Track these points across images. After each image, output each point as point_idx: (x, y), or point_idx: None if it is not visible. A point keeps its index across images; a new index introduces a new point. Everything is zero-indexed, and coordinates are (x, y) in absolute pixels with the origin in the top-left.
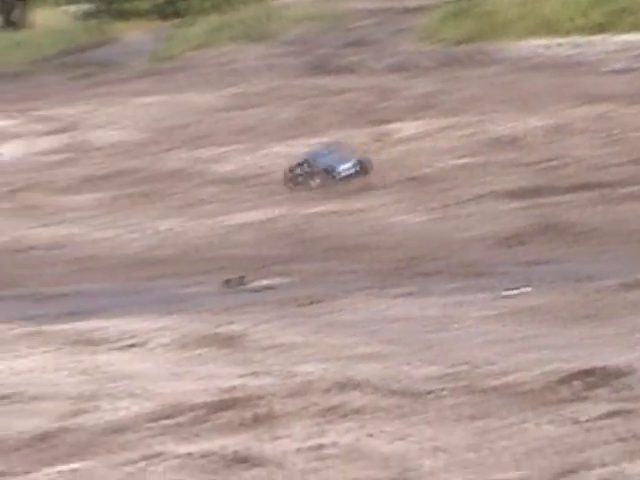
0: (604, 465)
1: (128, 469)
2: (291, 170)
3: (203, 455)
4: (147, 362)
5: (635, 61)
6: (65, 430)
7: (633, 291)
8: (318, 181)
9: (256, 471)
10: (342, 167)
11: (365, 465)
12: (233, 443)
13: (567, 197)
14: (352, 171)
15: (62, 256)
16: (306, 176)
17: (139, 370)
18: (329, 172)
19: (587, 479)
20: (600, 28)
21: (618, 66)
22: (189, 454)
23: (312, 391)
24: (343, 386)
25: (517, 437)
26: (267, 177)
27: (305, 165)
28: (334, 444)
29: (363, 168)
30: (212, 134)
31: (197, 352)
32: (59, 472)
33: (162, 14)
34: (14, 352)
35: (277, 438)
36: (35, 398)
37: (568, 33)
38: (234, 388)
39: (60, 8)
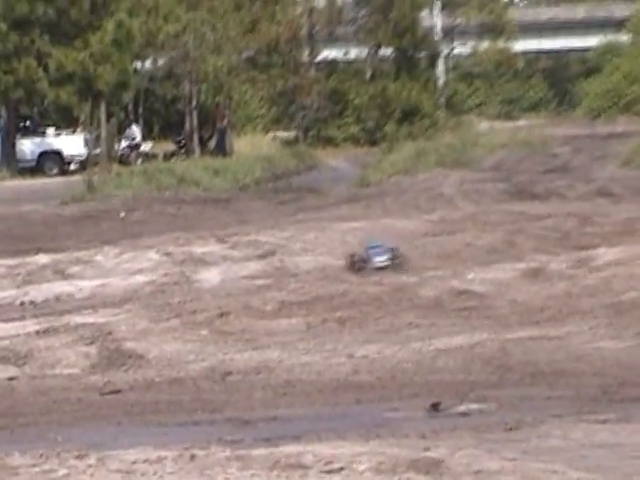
0: None
1: None
2: (351, 258)
3: None
4: None
5: None
6: None
7: None
8: (362, 268)
9: None
10: (377, 259)
11: None
12: None
13: None
14: (385, 264)
15: (258, 382)
16: (359, 264)
17: None
18: (367, 262)
19: None
20: None
21: None
22: None
23: None
24: None
25: None
26: (469, 301)
27: (358, 256)
28: None
29: (397, 262)
30: (416, 258)
31: (397, 478)
32: None
33: (366, 140)
34: (212, 477)
35: None
36: None
37: None
38: None
39: (267, 135)
